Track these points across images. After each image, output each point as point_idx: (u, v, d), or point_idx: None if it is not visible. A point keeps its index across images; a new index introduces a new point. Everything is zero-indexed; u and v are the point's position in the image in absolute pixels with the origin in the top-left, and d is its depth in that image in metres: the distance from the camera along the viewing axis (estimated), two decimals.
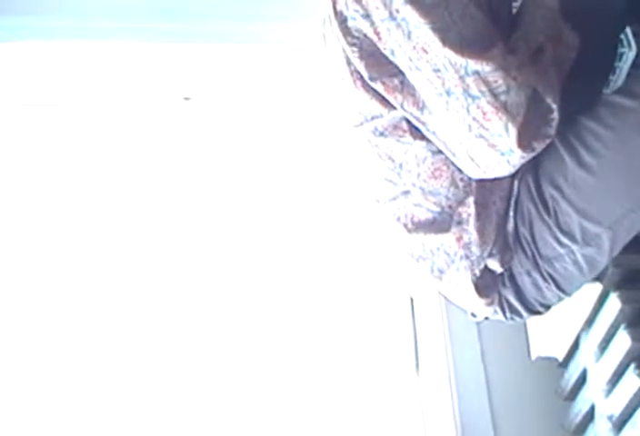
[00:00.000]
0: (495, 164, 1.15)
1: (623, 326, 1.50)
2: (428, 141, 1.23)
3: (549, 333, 1.72)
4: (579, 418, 1.73)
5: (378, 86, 1.19)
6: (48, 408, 1.92)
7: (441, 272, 1.34)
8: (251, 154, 2.34)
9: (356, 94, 1.24)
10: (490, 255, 1.31)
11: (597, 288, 1.53)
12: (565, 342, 1.71)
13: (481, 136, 1.12)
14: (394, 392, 2.02)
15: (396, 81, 1.18)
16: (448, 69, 1.11)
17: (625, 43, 1.17)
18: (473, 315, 1.46)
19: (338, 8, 1.19)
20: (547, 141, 1.16)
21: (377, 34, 1.15)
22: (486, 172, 1.17)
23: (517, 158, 1.13)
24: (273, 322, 2.08)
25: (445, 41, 1.10)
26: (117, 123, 2.36)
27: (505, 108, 1.11)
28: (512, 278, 1.35)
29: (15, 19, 2.11)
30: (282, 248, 2.20)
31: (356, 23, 1.16)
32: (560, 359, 1.76)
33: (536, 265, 1.31)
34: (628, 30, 1.17)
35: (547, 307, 1.38)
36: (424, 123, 1.20)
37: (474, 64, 1.10)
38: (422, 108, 1.18)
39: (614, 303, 1.52)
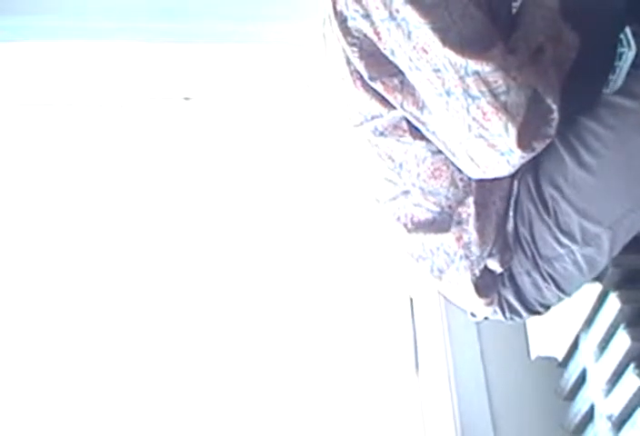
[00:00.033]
0: (495, 164, 1.15)
1: (622, 326, 1.51)
2: (428, 141, 1.23)
3: (549, 333, 1.72)
4: (579, 418, 1.73)
5: (378, 86, 1.20)
6: (48, 408, 1.92)
7: (441, 271, 1.34)
8: (251, 154, 2.34)
9: (356, 94, 1.24)
10: (490, 255, 1.31)
11: (597, 288, 1.53)
12: (565, 342, 1.71)
13: (481, 136, 1.12)
14: (394, 392, 2.02)
15: (396, 81, 1.18)
16: (448, 69, 1.11)
17: (624, 42, 1.17)
18: (472, 315, 1.47)
19: (338, 8, 1.19)
20: (547, 141, 1.16)
21: (377, 33, 1.15)
22: (486, 172, 1.17)
23: (517, 158, 1.13)
24: (272, 322, 2.08)
25: (445, 41, 1.10)
26: (117, 122, 2.36)
27: (504, 108, 1.11)
28: (511, 278, 1.35)
29: (16, 19, 2.11)
30: (282, 248, 2.20)
31: (356, 23, 1.17)
32: (560, 359, 1.76)
33: (536, 265, 1.31)
34: (628, 30, 1.17)
35: (547, 307, 1.39)
36: (423, 123, 1.20)
37: (474, 65, 1.10)
38: (422, 108, 1.18)
39: (613, 303, 1.52)
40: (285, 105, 2.38)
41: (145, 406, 1.94)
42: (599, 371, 1.59)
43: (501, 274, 1.35)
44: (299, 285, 2.14)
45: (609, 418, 1.55)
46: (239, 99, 2.40)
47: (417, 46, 1.12)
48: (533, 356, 1.79)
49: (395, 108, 1.21)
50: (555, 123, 1.15)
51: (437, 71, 1.12)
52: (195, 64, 2.34)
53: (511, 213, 1.30)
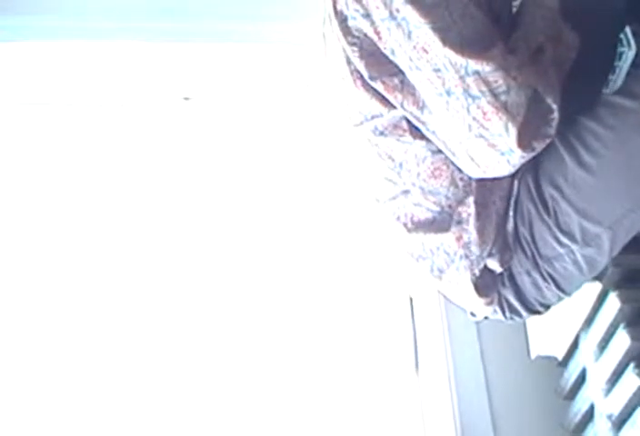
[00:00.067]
0: (495, 164, 1.15)
1: (622, 325, 1.51)
2: (428, 140, 1.23)
3: (549, 333, 1.72)
4: (579, 417, 1.73)
5: (378, 86, 1.20)
6: (48, 408, 1.92)
7: (441, 271, 1.34)
8: (251, 154, 2.34)
9: (356, 94, 1.24)
10: (490, 255, 1.31)
11: (597, 287, 1.54)
12: (565, 342, 1.71)
13: (481, 136, 1.13)
14: (394, 392, 2.02)
15: (396, 80, 1.18)
16: (448, 69, 1.11)
17: (624, 42, 1.17)
18: (472, 315, 1.47)
19: (338, 8, 1.19)
20: (547, 141, 1.16)
21: (377, 33, 1.15)
22: (486, 171, 1.17)
23: (517, 158, 1.13)
24: (272, 322, 2.08)
25: (446, 41, 1.10)
26: (117, 122, 2.36)
27: (505, 108, 1.11)
28: (511, 278, 1.35)
29: (16, 19, 2.11)
30: (281, 248, 2.20)
31: (356, 22, 1.17)
32: (560, 358, 1.76)
33: (536, 265, 1.31)
34: (628, 29, 1.18)
35: (547, 307, 1.39)
36: (423, 123, 1.20)
37: (474, 64, 1.10)
38: (422, 107, 1.18)
39: (613, 303, 1.52)
40: (285, 105, 2.38)
41: (145, 406, 1.94)
42: (599, 371, 1.59)
43: (501, 274, 1.35)
44: (299, 285, 2.14)
45: (609, 417, 1.55)
46: (239, 99, 2.40)
47: (417, 46, 1.12)
48: (533, 355, 1.79)
49: (395, 108, 1.21)
50: (555, 123, 1.15)
51: (437, 70, 1.12)
52: (195, 63, 2.34)
53: (511, 213, 1.31)
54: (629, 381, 1.49)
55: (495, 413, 1.86)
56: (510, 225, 1.31)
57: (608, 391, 1.56)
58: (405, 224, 1.32)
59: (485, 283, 1.33)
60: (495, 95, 1.10)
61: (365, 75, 1.20)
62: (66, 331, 2.03)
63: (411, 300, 2.13)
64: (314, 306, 2.11)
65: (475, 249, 1.29)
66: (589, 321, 1.61)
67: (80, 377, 1.97)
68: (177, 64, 2.33)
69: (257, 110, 2.39)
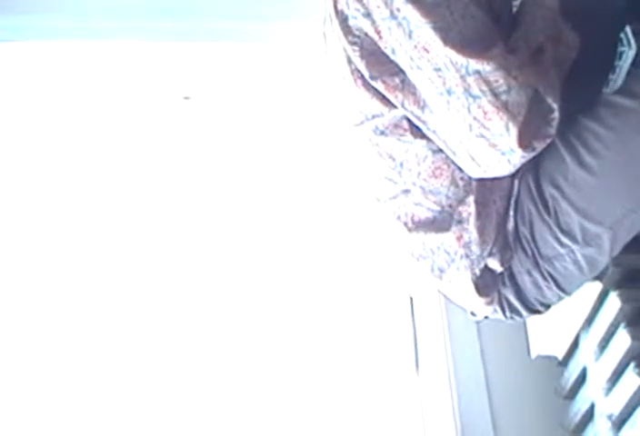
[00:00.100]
0: (496, 164, 1.15)
1: (622, 325, 1.51)
2: (429, 140, 1.23)
3: (549, 332, 1.72)
4: (579, 417, 1.73)
5: (379, 85, 1.20)
6: (48, 408, 1.92)
7: (441, 271, 1.34)
8: (251, 154, 2.34)
9: (357, 93, 1.24)
10: (490, 254, 1.31)
11: (597, 287, 1.54)
12: (565, 341, 1.71)
13: (482, 136, 1.13)
14: (394, 392, 2.02)
15: (397, 80, 1.18)
16: (449, 68, 1.11)
17: (624, 41, 1.17)
18: (472, 314, 1.47)
19: (339, 7, 1.19)
20: (548, 140, 1.16)
21: (378, 32, 1.15)
22: (487, 171, 1.17)
23: (518, 158, 1.13)
24: (272, 321, 2.08)
25: (446, 40, 1.10)
26: (117, 122, 2.36)
27: (505, 108, 1.11)
28: (512, 277, 1.35)
29: (16, 18, 2.11)
30: (281, 247, 2.20)
31: (357, 22, 1.17)
32: (560, 358, 1.76)
33: (536, 264, 1.31)
34: (628, 29, 1.18)
35: (547, 306, 1.39)
36: (424, 122, 1.20)
37: (475, 64, 1.10)
38: (422, 107, 1.18)
39: (613, 302, 1.52)
40: (286, 105, 2.38)
41: (145, 406, 1.94)
42: (599, 370, 1.59)
43: (501, 273, 1.35)
44: (299, 285, 2.14)
45: (609, 417, 1.55)
46: (239, 98, 2.40)
47: (418, 45, 1.12)
48: (533, 355, 1.79)
49: (395, 107, 1.21)
50: (555, 123, 1.15)
51: (438, 70, 1.12)
52: (195, 63, 2.34)
53: (511, 213, 1.31)
54: (629, 381, 1.49)
55: (494, 413, 1.86)
56: (510, 225, 1.31)
57: (608, 390, 1.56)
58: (406, 224, 1.32)
59: (486, 283, 1.33)
60: (495, 95, 1.11)
61: (366, 75, 1.20)
62: (66, 332, 2.02)
63: (411, 299, 2.13)
64: (314, 306, 2.11)
65: (475, 248, 1.29)
66: (589, 320, 1.61)
67: (80, 377, 1.97)
68: (177, 64, 2.33)
69: (258, 109, 2.39)
